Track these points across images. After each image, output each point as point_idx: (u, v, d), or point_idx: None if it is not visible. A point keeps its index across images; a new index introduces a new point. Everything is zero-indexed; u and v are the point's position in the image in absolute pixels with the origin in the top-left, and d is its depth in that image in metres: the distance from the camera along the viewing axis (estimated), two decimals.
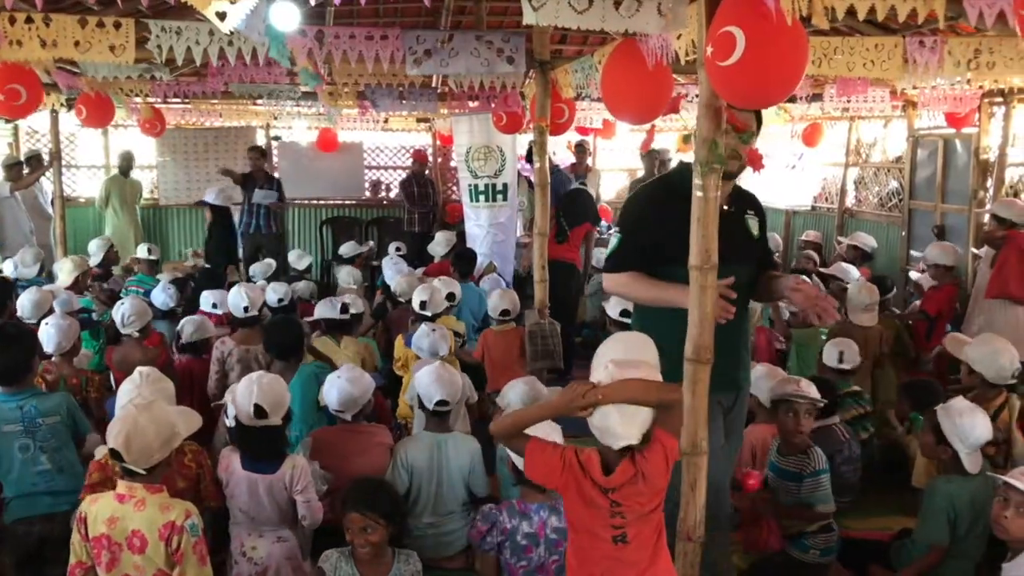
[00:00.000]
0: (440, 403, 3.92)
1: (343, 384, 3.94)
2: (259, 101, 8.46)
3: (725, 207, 3.00)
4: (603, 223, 10.72)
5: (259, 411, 3.25)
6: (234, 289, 5.30)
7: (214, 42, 3.94)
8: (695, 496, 3.06)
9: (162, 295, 6.05)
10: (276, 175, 10.12)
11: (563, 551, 3.02)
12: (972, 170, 8.00)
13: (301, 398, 4.36)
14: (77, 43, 3.99)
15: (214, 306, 5.83)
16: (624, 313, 5.62)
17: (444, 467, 3.87)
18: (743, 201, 3.28)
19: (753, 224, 3.26)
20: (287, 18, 3.13)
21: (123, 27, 3.91)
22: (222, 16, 2.45)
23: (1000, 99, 7.55)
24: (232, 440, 3.41)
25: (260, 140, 11.37)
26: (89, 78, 5.76)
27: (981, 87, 7.09)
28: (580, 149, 10.74)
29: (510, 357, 5.72)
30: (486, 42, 4.57)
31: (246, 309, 5.18)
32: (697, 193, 2.94)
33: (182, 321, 5.24)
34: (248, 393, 3.27)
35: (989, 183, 7.88)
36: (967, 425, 3.57)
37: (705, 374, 2.97)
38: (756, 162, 2.78)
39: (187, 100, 8.45)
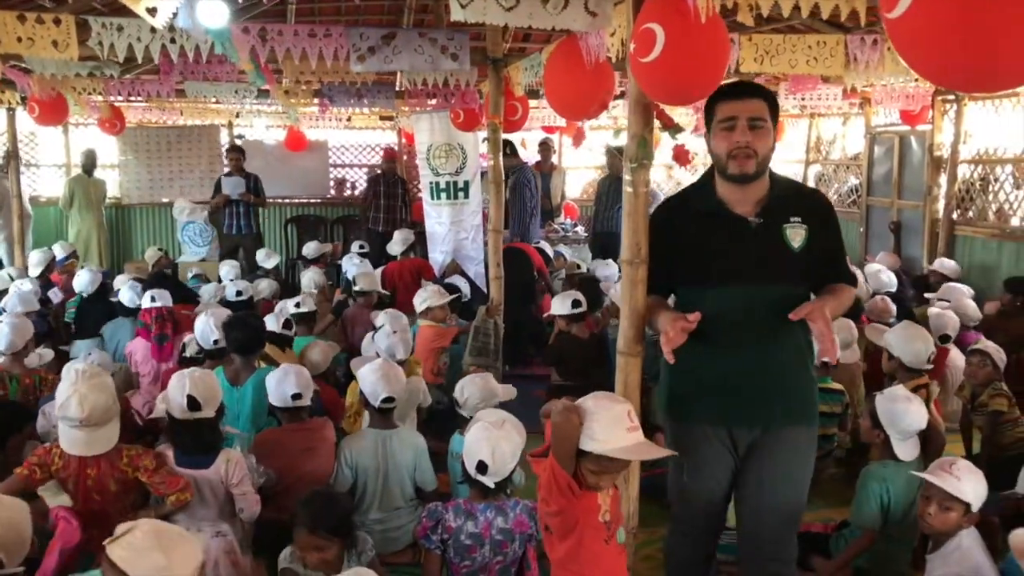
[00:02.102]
0: (386, 400, 3.93)
1: (276, 383, 3.99)
2: (213, 100, 8.42)
3: (751, 219, 2.62)
4: (567, 220, 10.80)
5: (192, 403, 3.25)
6: (201, 319, 4.97)
7: (156, 39, 3.94)
8: (627, 487, 3.11)
9: (129, 293, 6.01)
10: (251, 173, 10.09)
11: (508, 552, 3.06)
12: (926, 167, 8.13)
13: (253, 400, 4.38)
14: (20, 39, 3.97)
15: (153, 299, 5.73)
16: (576, 304, 5.63)
17: (389, 463, 3.88)
18: (787, 207, 2.66)
19: (795, 235, 2.64)
20: (214, 15, 3.13)
21: (64, 23, 3.90)
22: (152, 11, 2.46)
23: (952, 97, 7.68)
24: (167, 436, 3.42)
25: (224, 139, 11.32)
26: (38, 76, 5.72)
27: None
28: (544, 147, 10.79)
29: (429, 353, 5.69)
30: (430, 39, 4.59)
31: (216, 341, 4.80)
32: (627, 189, 2.99)
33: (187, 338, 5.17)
34: (180, 386, 3.28)
35: (942, 179, 8.01)
36: (899, 411, 3.66)
37: (634, 368, 3.02)
38: (681, 158, 2.82)
39: (148, 99, 8.38)
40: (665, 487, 4.28)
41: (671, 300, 2.91)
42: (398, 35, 4.53)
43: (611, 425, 2.37)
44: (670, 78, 2.71)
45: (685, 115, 8.98)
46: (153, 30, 3.89)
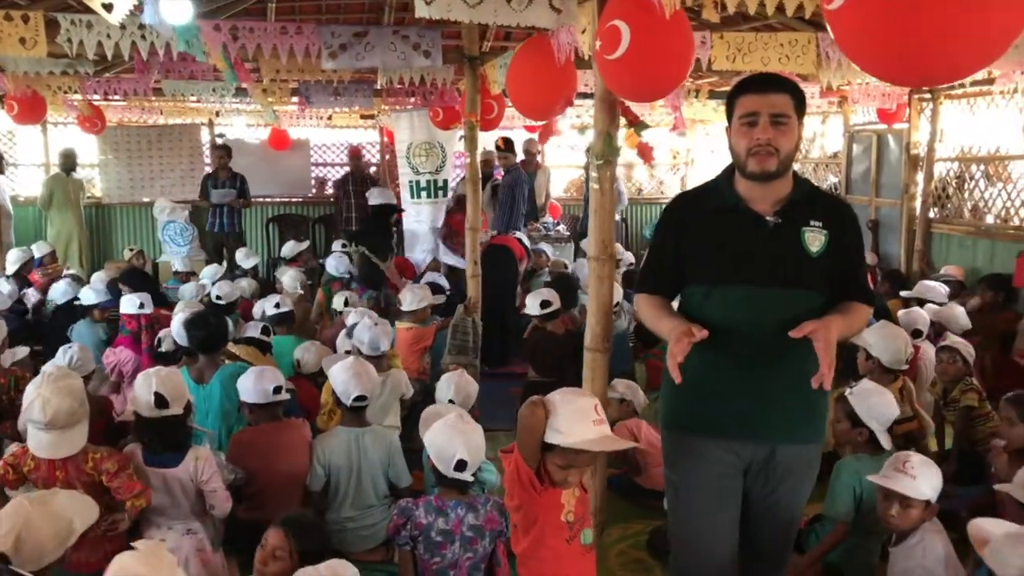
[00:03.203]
0: (358, 399, 3.93)
1: (246, 382, 3.98)
2: (192, 99, 8.40)
3: (769, 217, 2.45)
4: (550, 219, 10.81)
5: (159, 400, 3.24)
6: (177, 317, 5.00)
7: (126, 36, 3.92)
8: (593, 481, 3.13)
9: (90, 292, 5.99)
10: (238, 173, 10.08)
11: (478, 549, 3.06)
12: (904, 165, 8.18)
13: (221, 397, 4.37)
14: None
15: (141, 306, 5.72)
16: (545, 304, 5.64)
17: (362, 461, 3.88)
18: (808, 209, 2.48)
19: (814, 239, 2.45)
20: (178, 11, 3.12)
21: (32, 20, 3.87)
22: (108, 8, 2.45)
23: (928, 95, 7.73)
24: (134, 435, 3.40)
25: (205, 137, 11.27)
26: (10, 74, 5.68)
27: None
28: (529, 146, 10.78)
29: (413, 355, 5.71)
30: (402, 36, 4.60)
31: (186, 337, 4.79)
32: (593, 186, 3.01)
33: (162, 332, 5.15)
34: (147, 384, 3.26)
35: (919, 177, 8.06)
36: (880, 404, 3.71)
37: (600, 363, 3.03)
38: (645, 154, 2.83)
39: (125, 97, 8.34)
40: (633, 484, 4.35)
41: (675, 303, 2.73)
42: (370, 32, 4.54)
43: (576, 418, 2.37)
44: (635, 75, 2.72)
45: (665, 113, 9.02)
46: (123, 27, 3.88)
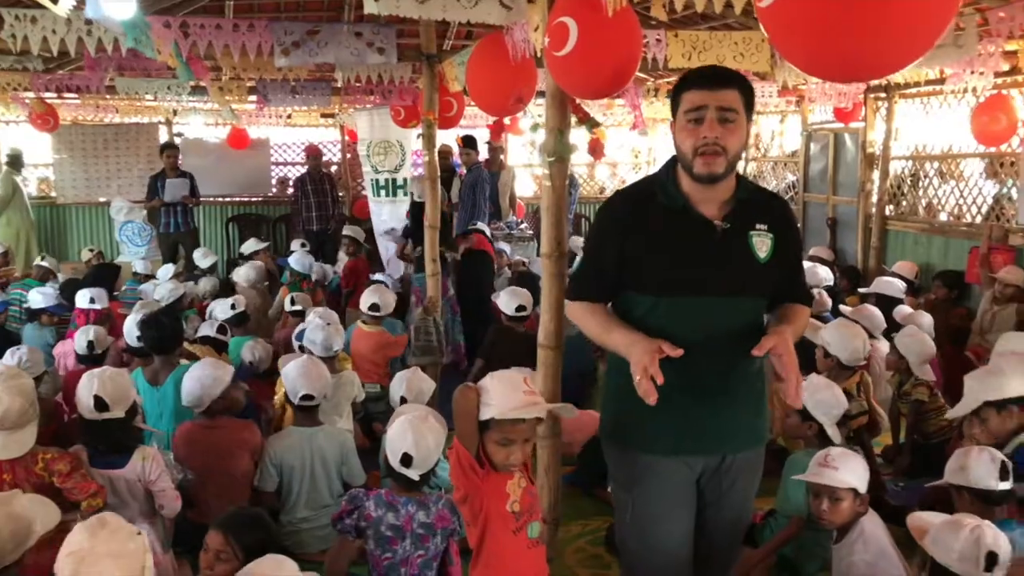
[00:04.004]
0: (305, 397, 3.91)
1: (188, 378, 3.93)
2: (148, 97, 8.29)
3: (718, 223, 2.33)
4: (514, 218, 10.80)
5: (99, 403, 3.20)
6: (130, 318, 4.93)
7: (72, 32, 3.84)
8: (548, 479, 3.13)
9: (38, 296, 5.89)
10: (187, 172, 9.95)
11: (429, 546, 3.05)
12: (860, 163, 8.29)
13: (175, 398, 4.30)
14: None
15: (91, 301, 5.64)
16: (520, 308, 5.65)
17: (315, 461, 3.88)
18: (754, 212, 2.39)
19: (762, 244, 2.36)
20: (122, 7, 3.06)
21: None
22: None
23: (883, 94, 7.84)
24: (79, 436, 3.35)
25: (163, 136, 11.13)
26: None
27: (866, 82, 7.34)
28: (493, 145, 10.77)
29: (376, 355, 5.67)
30: (355, 33, 4.58)
31: (138, 338, 4.70)
32: (545, 183, 3.00)
33: (77, 333, 5.08)
34: (88, 386, 3.22)
35: (875, 176, 8.17)
36: (828, 398, 3.76)
37: (553, 360, 3.04)
38: (596, 151, 2.82)
39: (79, 94, 8.19)
40: (589, 483, 4.36)
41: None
42: (323, 29, 4.52)
43: (506, 391, 2.38)
44: (583, 72, 2.72)
45: (626, 112, 9.05)
46: (68, 22, 3.81)
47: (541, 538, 2.62)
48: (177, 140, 11.10)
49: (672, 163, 2.41)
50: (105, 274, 7.02)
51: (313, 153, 10.50)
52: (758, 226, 2.36)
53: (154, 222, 9.98)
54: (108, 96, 8.65)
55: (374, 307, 5.60)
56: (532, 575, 2.60)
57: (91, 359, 4.69)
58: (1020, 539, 2.98)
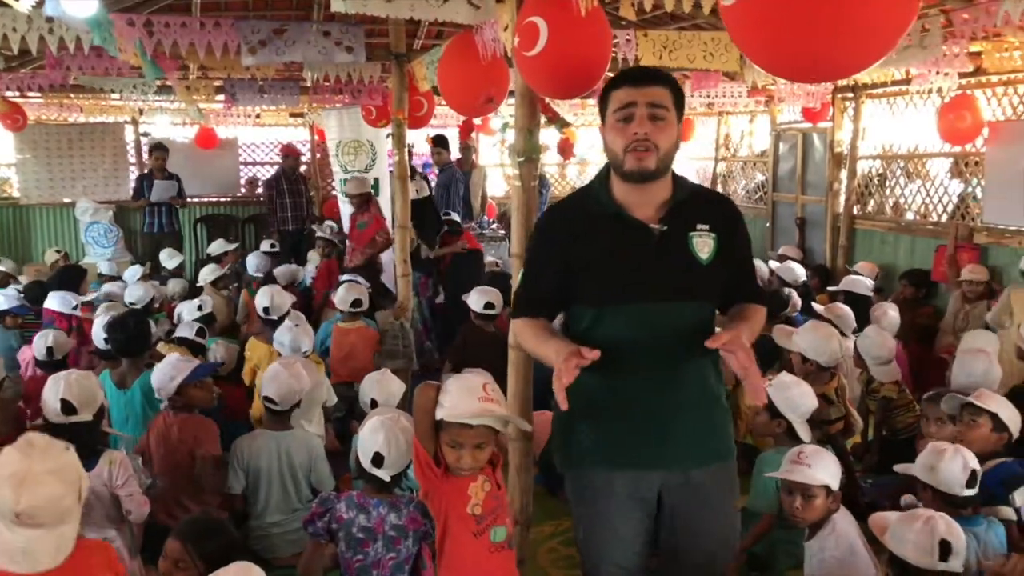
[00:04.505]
0: (268, 400, 3.90)
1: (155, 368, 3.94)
2: (114, 96, 8.17)
3: (654, 225, 2.27)
4: (486, 218, 10.79)
5: (66, 407, 3.15)
6: (98, 320, 4.90)
7: (33, 29, 3.77)
8: (520, 480, 3.12)
9: (0, 298, 5.80)
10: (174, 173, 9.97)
11: (401, 549, 3.03)
12: (828, 163, 8.37)
13: (142, 402, 4.27)
14: None
15: (75, 308, 5.58)
16: (488, 306, 5.63)
17: (284, 465, 3.85)
18: (693, 212, 2.32)
19: (703, 244, 2.28)
20: (82, 5, 3.01)
21: None
22: None
23: (851, 94, 7.92)
24: None
25: (129, 136, 10.98)
26: None
27: (833, 82, 7.41)
28: (465, 145, 10.75)
29: (357, 353, 5.67)
30: (323, 32, 4.55)
31: (105, 340, 4.66)
32: (515, 183, 2.99)
33: (37, 337, 4.99)
34: (55, 389, 3.17)
35: (843, 175, 8.25)
36: (797, 395, 3.79)
37: (525, 360, 3.02)
38: (565, 151, 2.81)
39: (42, 93, 8.06)
40: (554, 484, 4.36)
41: (557, 322, 2.50)
42: (290, 28, 4.49)
43: (463, 394, 2.39)
44: (554, 71, 2.71)
45: (596, 112, 9.06)
46: (29, 20, 3.74)
47: (508, 543, 2.60)
48: (144, 140, 10.97)
49: (605, 171, 2.36)
50: (71, 276, 6.90)
51: (290, 152, 10.46)
52: (699, 226, 2.30)
53: (125, 222, 9.84)
54: (72, 95, 8.53)
55: (356, 303, 5.61)
56: None
57: (51, 364, 4.60)
58: (985, 534, 3.03)
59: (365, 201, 7.39)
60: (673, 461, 2.32)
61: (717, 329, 2.30)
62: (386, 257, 8.02)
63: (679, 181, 2.36)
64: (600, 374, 2.17)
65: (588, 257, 2.30)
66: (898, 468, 3.37)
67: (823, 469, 3.10)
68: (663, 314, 2.26)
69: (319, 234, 8.20)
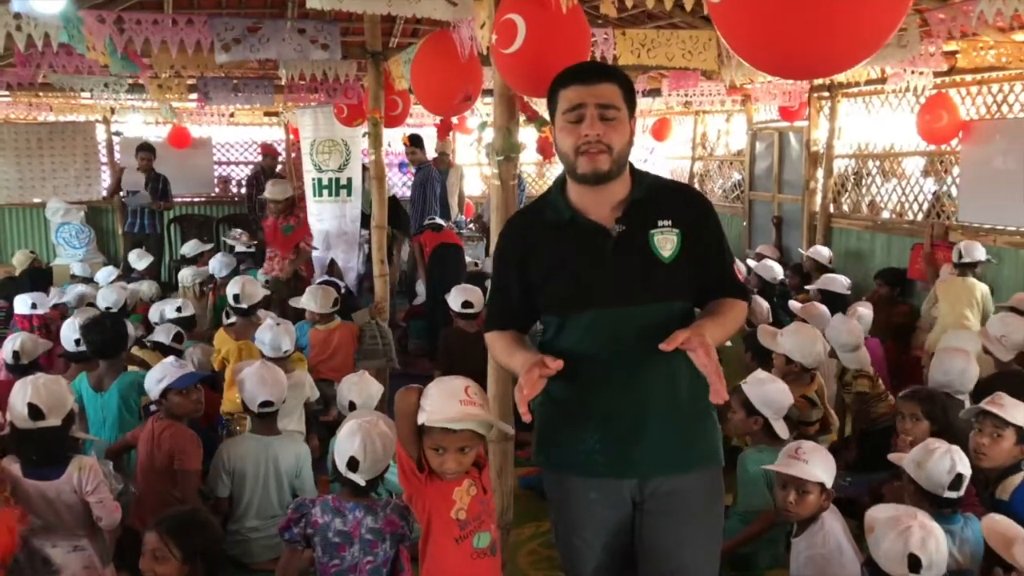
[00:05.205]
0: (264, 404, 3.85)
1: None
2: (85, 95, 8.06)
3: (611, 226, 2.19)
4: (462, 218, 10.76)
5: (34, 411, 3.08)
6: (67, 322, 4.81)
7: (0, 26, 3.68)
8: (501, 483, 3.09)
9: None
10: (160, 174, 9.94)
11: (379, 552, 3.00)
12: (804, 161, 8.40)
13: (119, 405, 4.21)
14: None
15: (33, 306, 5.49)
16: (466, 304, 5.60)
17: (270, 470, 3.81)
18: (654, 209, 2.22)
19: (665, 241, 2.19)
20: (48, 3, 2.93)
21: None
22: None
23: (827, 93, 7.96)
24: (11, 447, 3.21)
25: (100, 135, 10.83)
26: None
27: (809, 81, 7.44)
28: (440, 146, 10.71)
29: (341, 350, 5.62)
30: (298, 30, 4.51)
31: (77, 342, 4.59)
32: (494, 182, 2.97)
33: (5, 342, 4.90)
34: (22, 394, 3.10)
35: (819, 174, 8.29)
36: (773, 391, 3.79)
37: None
38: (545, 150, 2.79)
39: (9, 91, 7.93)
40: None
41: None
42: (265, 25, 4.44)
43: (444, 398, 2.36)
44: (532, 69, 2.68)
45: None
46: None
47: (491, 549, 2.56)
48: (116, 139, 10.84)
49: (562, 176, 2.29)
50: (38, 279, 6.82)
51: (269, 152, 10.40)
52: (660, 223, 2.19)
53: (98, 223, 9.68)
54: (42, 93, 8.40)
55: (335, 303, 5.59)
56: None
57: (18, 369, 4.51)
58: (962, 532, 3.03)
59: (290, 206, 7.36)
60: (646, 469, 2.24)
61: None
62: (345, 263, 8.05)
63: (639, 177, 2.27)
64: (569, 382, 2.14)
65: (546, 265, 2.24)
66: (892, 457, 3.37)
67: (819, 465, 3.11)
68: (627, 319, 2.18)
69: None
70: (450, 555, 2.48)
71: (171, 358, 4.03)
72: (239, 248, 8.45)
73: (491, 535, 2.56)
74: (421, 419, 2.36)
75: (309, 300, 5.62)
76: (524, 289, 2.29)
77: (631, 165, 2.25)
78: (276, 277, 7.11)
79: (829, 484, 3.14)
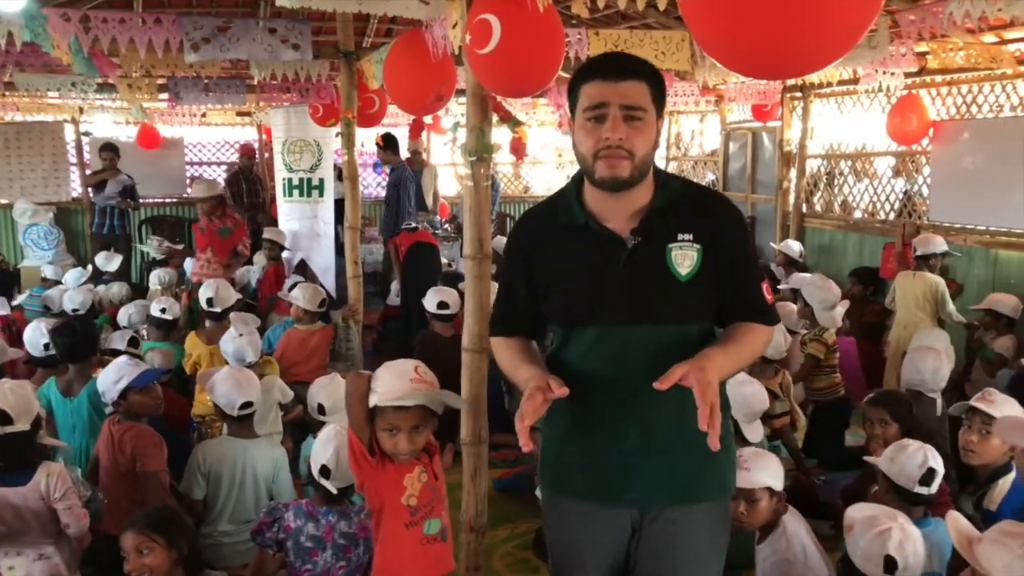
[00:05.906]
0: (244, 405, 3.79)
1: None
2: (52, 94, 7.94)
3: (626, 236, 1.98)
4: (438, 218, 10.71)
5: (2, 416, 3.01)
6: (31, 325, 4.70)
7: None
8: (475, 486, 3.07)
9: None
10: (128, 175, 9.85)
11: (352, 557, 2.97)
12: (777, 161, 8.46)
13: (89, 411, 4.13)
14: None
15: None
16: (441, 305, 5.56)
17: (247, 474, 3.76)
18: (675, 220, 1.99)
19: (683, 257, 1.96)
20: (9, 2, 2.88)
21: None
22: None
23: (799, 94, 8.01)
24: None
25: (69, 135, 10.68)
26: None
27: (782, 81, 7.48)
28: (413, 144, 10.66)
29: (318, 353, 5.56)
30: (269, 29, 4.46)
31: (46, 346, 4.47)
32: (467, 183, 2.94)
33: None
34: None
35: (792, 174, 8.34)
36: (747, 394, 3.78)
37: (479, 364, 2.98)
38: (518, 150, 2.77)
39: None
40: (526, 484, 4.32)
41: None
42: (235, 25, 4.38)
43: (395, 378, 2.40)
44: (506, 70, 2.67)
45: (549, 112, 9.04)
46: None
47: (441, 535, 2.58)
48: (85, 139, 10.68)
49: (579, 175, 2.06)
50: (5, 281, 6.70)
51: (247, 152, 10.32)
52: (680, 236, 1.96)
53: (67, 223, 9.50)
54: (8, 93, 8.26)
55: (322, 303, 5.53)
56: (425, 572, 2.57)
57: None
58: (934, 534, 3.03)
59: (218, 205, 7.26)
60: (646, 500, 2.05)
61: None
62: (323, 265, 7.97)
63: (663, 182, 2.03)
64: (571, 401, 1.93)
65: (553, 271, 2.05)
66: (867, 459, 3.36)
67: (762, 471, 3.01)
68: (635, 339, 1.97)
69: (266, 236, 8.07)
70: (402, 541, 2.49)
71: (124, 357, 3.91)
72: (155, 255, 8.39)
73: (441, 521, 2.58)
74: (373, 401, 2.39)
75: (300, 296, 5.56)
76: (530, 293, 2.12)
77: (655, 168, 2.02)
78: (199, 282, 6.64)
79: (778, 487, 3.04)
